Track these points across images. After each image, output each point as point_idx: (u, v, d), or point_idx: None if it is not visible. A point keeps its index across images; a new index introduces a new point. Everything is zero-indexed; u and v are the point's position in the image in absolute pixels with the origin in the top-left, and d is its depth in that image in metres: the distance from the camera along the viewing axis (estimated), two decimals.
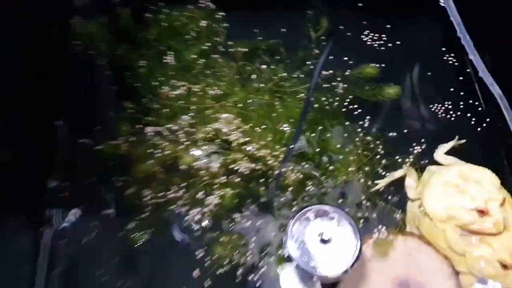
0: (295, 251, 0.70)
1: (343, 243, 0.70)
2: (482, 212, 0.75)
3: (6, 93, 0.74)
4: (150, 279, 0.78)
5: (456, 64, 0.92)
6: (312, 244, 0.70)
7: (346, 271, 0.69)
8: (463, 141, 0.88)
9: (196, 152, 0.82)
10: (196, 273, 0.77)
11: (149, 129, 0.84)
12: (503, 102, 0.77)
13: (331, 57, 0.94)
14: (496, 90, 0.77)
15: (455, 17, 0.83)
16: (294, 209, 0.79)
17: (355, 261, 0.69)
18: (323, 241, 0.70)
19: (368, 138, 0.87)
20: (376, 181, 0.85)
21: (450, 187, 0.80)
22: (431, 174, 0.84)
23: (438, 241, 0.80)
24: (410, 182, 0.85)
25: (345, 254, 0.70)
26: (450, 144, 0.88)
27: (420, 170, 0.85)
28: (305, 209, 0.72)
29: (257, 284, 0.76)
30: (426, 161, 0.86)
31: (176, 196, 0.81)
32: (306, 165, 0.84)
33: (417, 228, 0.82)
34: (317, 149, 0.85)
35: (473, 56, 0.82)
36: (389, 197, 0.83)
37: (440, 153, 0.87)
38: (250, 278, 0.77)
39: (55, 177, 0.81)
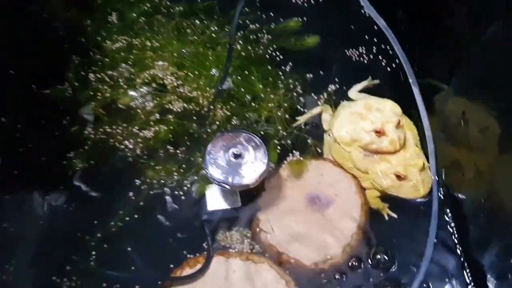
0: (213, 169, 0.81)
1: (254, 161, 0.81)
2: (379, 133, 0.86)
3: None
4: (94, 202, 0.88)
5: (369, 15, 1.03)
6: (228, 161, 0.81)
7: (255, 182, 0.80)
8: (376, 81, 1.00)
9: (133, 93, 0.94)
10: (132, 194, 0.88)
11: (92, 76, 0.96)
12: (388, 33, 0.89)
13: (260, 14, 1.05)
14: (381, 22, 0.89)
15: None
16: None
17: (263, 173, 0.80)
18: (236, 157, 0.81)
19: (290, 80, 0.99)
20: (296, 117, 0.96)
21: (355, 115, 0.91)
22: (342, 107, 0.95)
23: (346, 162, 0.91)
24: (326, 116, 0.96)
25: (256, 169, 0.81)
26: (363, 83, 0.99)
27: (335, 106, 0.96)
28: (222, 134, 0.83)
29: (185, 199, 0.87)
30: (341, 99, 0.97)
31: (116, 132, 0.92)
32: (234, 104, 0.95)
33: (330, 155, 0.94)
34: (242, 90, 0.95)
35: None
36: (304, 127, 0.94)
37: (353, 91, 0.98)
38: (179, 195, 0.88)
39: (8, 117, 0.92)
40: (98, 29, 1.02)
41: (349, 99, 0.98)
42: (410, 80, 0.93)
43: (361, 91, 0.99)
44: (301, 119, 0.96)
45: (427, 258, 0.83)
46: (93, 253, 0.83)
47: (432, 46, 0.95)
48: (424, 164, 0.86)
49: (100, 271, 0.82)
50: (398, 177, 0.85)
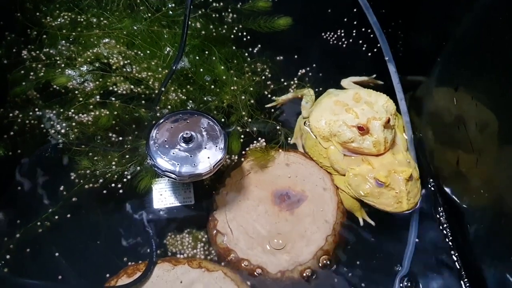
0: (156, 155, 0.66)
1: (209, 146, 0.67)
2: (362, 130, 0.73)
3: None
4: (18, 197, 0.74)
5: None
6: (176, 146, 0.67)
7: (209, 171, 0.66)
8: (380, 82, 0.87)
9: (71, 73, 0.80)
10: (63, 188, 0.73)
11: (26, 54, 0.82)
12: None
13: None
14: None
15: None
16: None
17: (219, 161, 0.67)
18: (186, 141, 0.67)
19: (258, 64, 0.86)
20: (273, 97, 0.84)
21: (340, 105, 0.78)
22: (327, 94, 0.82)
23: (321, 159, 0.78)
24: (306, 102, 0.83)
25: (210, 155, 0.67)
26: (362, 78, 0.86)
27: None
28: (169, 115, 0.70)
29: (126, 195, 0.73)
30: (317, 86, 0.85)
31: (48, 116, 0.78)
32: (190, 88, 0.82)
33: (303, 145, 0.80)
34: (201, 71, 0.82)
35: None
36: (273, 111, 0.82)
37: (347, 81, 0.86)
38: (118, 190, 0.73)
39: None
40: (38, 4, 0.88)
41: (327, 87, 0.85)
42: (386, 58, 0.81)
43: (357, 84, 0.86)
44: (279, 100, 0.84)
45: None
46: (8, 257, 0.67)
47: (415, 23, 0.84)
48: (412, 175, 0.72)
49: (15, 280, 0.66)
50: (378, 182, 0.70)
